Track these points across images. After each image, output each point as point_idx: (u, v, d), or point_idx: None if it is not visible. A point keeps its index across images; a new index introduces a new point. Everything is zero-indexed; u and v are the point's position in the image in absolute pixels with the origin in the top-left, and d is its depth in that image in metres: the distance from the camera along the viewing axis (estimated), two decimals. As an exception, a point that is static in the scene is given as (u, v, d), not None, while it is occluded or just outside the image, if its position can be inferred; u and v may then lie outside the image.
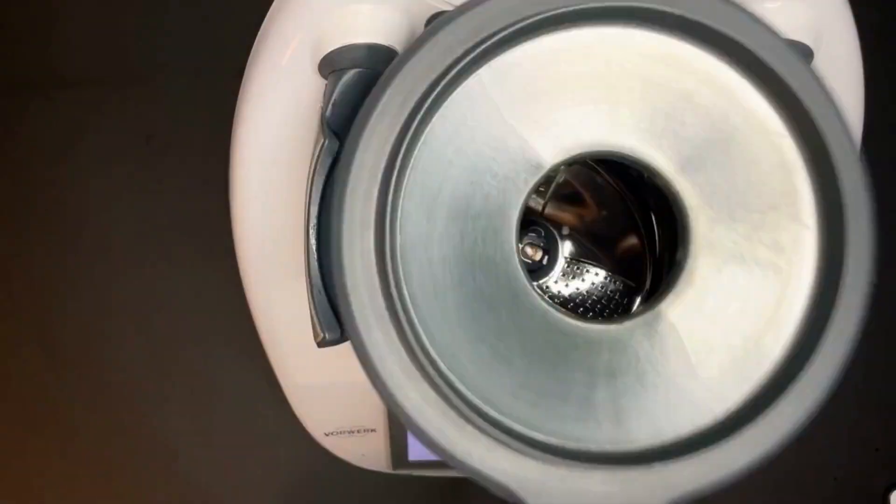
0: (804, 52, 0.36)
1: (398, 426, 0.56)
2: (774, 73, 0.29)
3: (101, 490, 0.72)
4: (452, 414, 0.28)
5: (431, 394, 0.27)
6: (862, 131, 0.42)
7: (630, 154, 0.30)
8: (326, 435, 0.56)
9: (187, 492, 0.72)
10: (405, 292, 0.28)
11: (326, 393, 0.52)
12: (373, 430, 0.56)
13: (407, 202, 0.29)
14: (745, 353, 0.29)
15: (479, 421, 0.28)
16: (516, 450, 0.28)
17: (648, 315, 0.29)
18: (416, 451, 0.57)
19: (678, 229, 0.31)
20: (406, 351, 0.27)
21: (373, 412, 0.55)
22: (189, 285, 0.73)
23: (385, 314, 0.27)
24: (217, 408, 0.73)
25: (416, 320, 0.28)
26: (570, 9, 0.28)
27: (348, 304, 0.27)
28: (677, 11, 0.28)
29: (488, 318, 0.29)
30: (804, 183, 0.30)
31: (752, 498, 0.74)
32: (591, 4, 0.28)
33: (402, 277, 0.28)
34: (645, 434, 0.29)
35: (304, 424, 0.56)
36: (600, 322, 0.30)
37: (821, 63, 0.37)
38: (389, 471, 0.59)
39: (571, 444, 0.29)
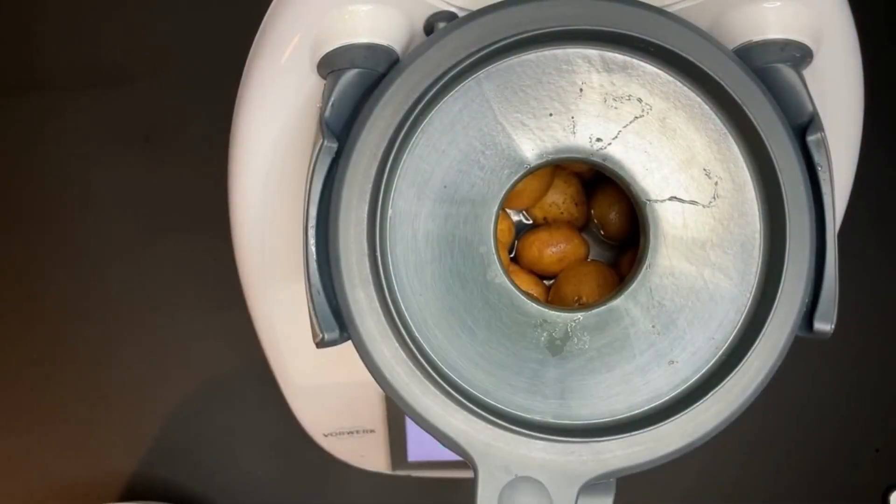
0: (804, 52, 0.36)
1: (397, 427, 0.56)
2: (729, 96, 0.32)
3: (97, 488, 0.72)
4: (417, 373, 0.32)
5: (401, 353, 0.32)
6: (861, 131, 0.42)
7: (603, 164, 0.33)
8: (325, 436, 0.56)
9: (185, 493, 0.72)
10: (389, 261, 0.32)
11: (325, 394, 0.52)
12: (372, 431, 0.56)
13: (401, 182, 0.32)
14: (682, 353, 0.33)
15: (440, 382, 0.31)
16: (470, 411, 0.32)
17: (603, 309, 0.33)
18: (416, 451, 0.57)
19: (640, 238, 0.34)
20: (384, 312, 0.32)
21: (372, 413, 0.55)
22: (187, 285, 0.73)
23: (369, 278, 0.32)
24: (215, 408, 0.73)
25: (395, 287, 0.32)
26: (564, 28, 0.32)
27: (338, 266, 0.32)
28: (643, 36, 0.32)
29: (460, 293, 0.32)
30: (755, 209, 0.33)
31: (752, 498, 0.74)
32: (582, 26, 0.32)
33: (388, 247, 0.32)
34: (585, 412, 0.33)
35: (303, 425, 0.56)
36: (560, 309, 0.33)
37: (820, 63, 0.37)
38: (389, 471, 0.59)
39: (519, 414, 0.32)
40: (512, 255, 0.39)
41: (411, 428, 0.56)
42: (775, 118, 0.33)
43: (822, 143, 0.33)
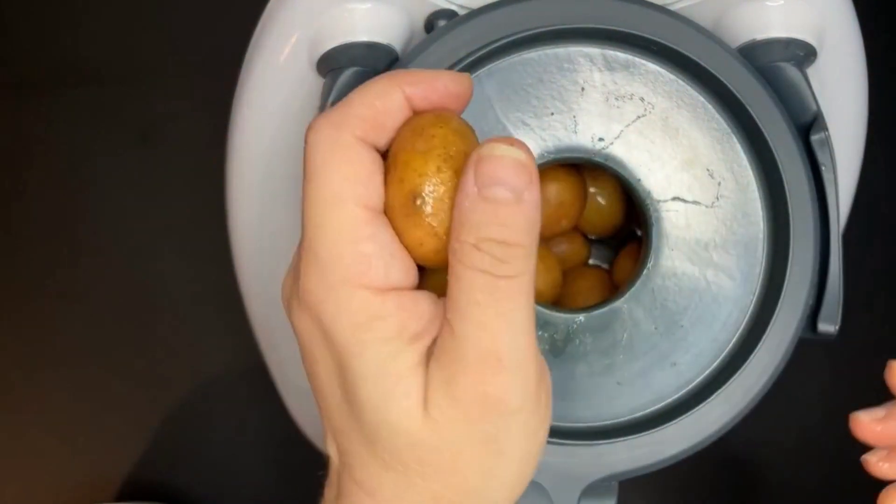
0: (807, 51, 0.36)
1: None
2: (732, 95, 0.32)
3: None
4: None
5: None
6: (865, 130, 0.42)
7: (605, 164, 0.33)
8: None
9: (184, 494, 0.72)
10: None
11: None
12: (371, 432, 0.56)
13: None
14: (685, 355, 0.33)
15: None
16: None
17: (605, 310, 0.33)
18: (415, 452, 0.57)
19: (642, 240, 0.34)
20: None
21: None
22: (185, 285, 0.73)
23: None
24: (214, 408, 0.73)
25: None
26: (566, 26, 0.32)
27: None
28: (640, 33, 0.32)
29: None
30: (758, 210, 0.33)
31: (752, 498, 0.74)
32: (584, 25, 0.32)
33: None
34: (587, 414, 0.32)
35: (301, 428, 0.55)
36: (562, 311, 0.33)
37: (824, 62, 0.37)
38: (388, 473, 0.59)
39: None
40: None
41: (411, 429, 0.56)
42: (779, 117, 0.32)
43: (826, 143, 0.33)
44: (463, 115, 0.32)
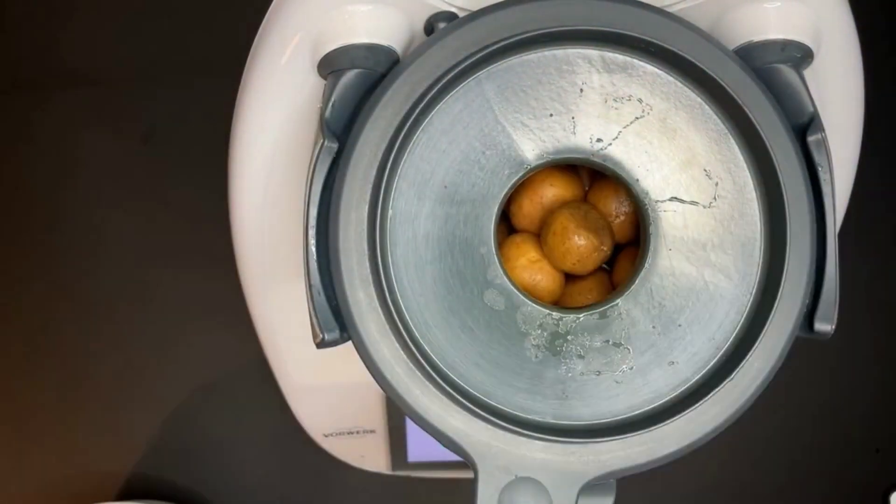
0: (804, 53, 0.36)
1: (397, 427, 0.56)
2: (729, 97, 0.32)
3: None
4: (417, 373, 0.32)
5: (401, 353, 0.32)
6: (862, 131, 0.42)
7: (604, 165, 0.33)
8: (325, 436, 0.56)
9: (184, 493, 0.72)
10: (389, 261, 0.32)
11: (325, 394, 0.52)
12: (372, 431, 0.56)
13: (401, 182, 0.32)
14: (682, 354, 0.33)
15: (441, 382, 0.31)
16: (469, 412, 0.32)
17: (604, 309, 0.33)
18: (416, 452, 0.57)
19: (640, 240, 0.34)
20: (384, 312, 0.32)
21: (372, 413, 0.55)
22: (187, 286, 0.73)
23: (369, 278, 0.32)
24: (215, 409, 0.73)
25: (395, 287, 0.32)
26: (564, 28, 0.32)
27: (339, 266, 0.32)
28: (640, 35, 0.32)
29: (460, 293, 0.32)
30: (755, 210, 0.33)
31: (753, 498, 0.74)
32: (583, 27, 0.32)
33: (388, 247, 0.32)
34: (585, 413, 0.33)
35: (303, 425, 0.56)
36: (560, 310, 0.33)
37: (821, 63, 0.37)
38: (389, 472, 0.59)
39: (519, 414, 0.32)
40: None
41: (411, 428, 0.56)
42: (776, 118, 0.33)
43: (823, 144, 0.33)
44: (463, 116, 0.32)
